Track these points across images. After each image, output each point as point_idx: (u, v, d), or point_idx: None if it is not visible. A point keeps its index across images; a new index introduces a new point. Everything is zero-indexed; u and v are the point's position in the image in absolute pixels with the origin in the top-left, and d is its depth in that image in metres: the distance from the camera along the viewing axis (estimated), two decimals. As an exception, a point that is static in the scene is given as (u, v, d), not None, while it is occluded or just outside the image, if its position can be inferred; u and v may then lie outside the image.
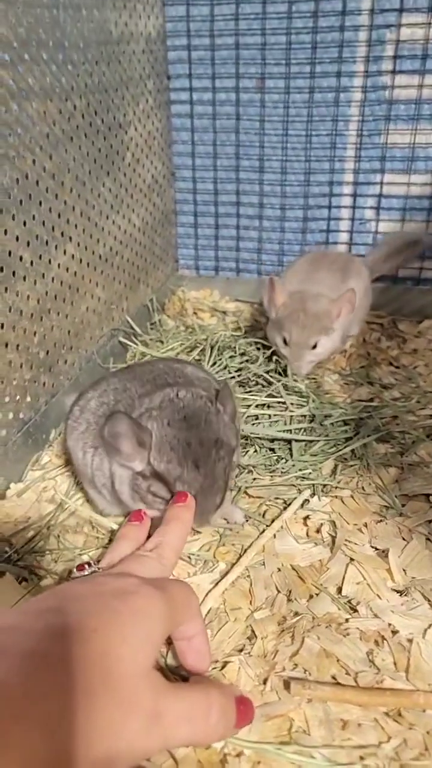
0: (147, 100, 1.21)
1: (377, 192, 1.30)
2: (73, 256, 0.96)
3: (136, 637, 0.40)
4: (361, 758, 0.50)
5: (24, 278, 0.83)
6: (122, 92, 1.09)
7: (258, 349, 1.16)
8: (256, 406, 0.96)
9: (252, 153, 1.34)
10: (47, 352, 0.90)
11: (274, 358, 1.10)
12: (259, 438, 0.90)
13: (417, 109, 1.20)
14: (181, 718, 0.40)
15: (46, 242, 0.88)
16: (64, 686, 0.35)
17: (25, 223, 0.82)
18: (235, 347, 1.15)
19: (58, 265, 0.91)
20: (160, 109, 1.28)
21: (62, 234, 0.92)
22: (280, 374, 1.08)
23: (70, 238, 0.95)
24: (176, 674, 0.56)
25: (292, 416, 0.95)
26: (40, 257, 0.86)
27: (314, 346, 1.06)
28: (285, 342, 1.07)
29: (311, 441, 0.91)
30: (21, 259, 0.82)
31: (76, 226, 0.96)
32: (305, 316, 1.05)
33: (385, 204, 1.30)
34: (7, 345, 0.80)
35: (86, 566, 0.55)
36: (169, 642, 0.57)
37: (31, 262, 0.84)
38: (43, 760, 0.33)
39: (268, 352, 1.13)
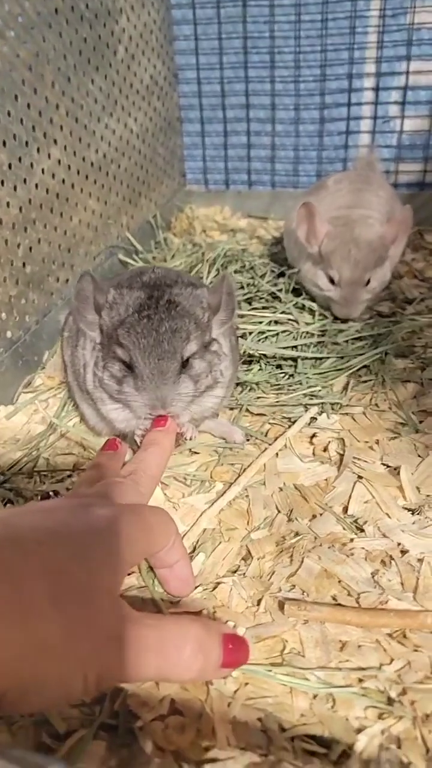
0: (140, -14, 1.08)
1: (402, 83, 1.16)
2: (59, 161, 0.88)
3: (93, 554, 0.36)
4: (360, 680, 0.46)
5: (2, 182, 0.75)
6: (109, -27, 0.97)
7: (265, 264, 1.07)
8: (262, 322, 0.89)
9: (261, 45, 1.20)
10: (35, 267, 0.84)
11: (287, 273, 1.01)
12: (265, 355, 0.84)
13: (449, -21, 1.05)
14: (148, 647, 0.36)
15: (26, 143, 0.80)
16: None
17: (-2, 120, 0.74)
18: (245, 262, 1.07)
19: (42, 170, 0.84)
20: (156, -3, 1.15)
21: (45, 135, 0.83)
22: (287, 291, 0.99)
23: (55, 141, 0.86)
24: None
25: (301, 332, 0.88)
26: (20, 160, 0.79)
27: (367, 282, 0.89)
28: (332, 281, 0.89)
29: (321, 358, 0.84)
30: (-4, 160, 0.74)
31: (61, 127, 0.87)
32: (357, 247, 0.86)
33: (412, 97, 1.16)
34: (-14, 256, 0.74)
35: (51, 494, 0.50)
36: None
37: (9, 165, 0.77)
38: None
39: (278, 270, 1.04)
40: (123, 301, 0.59)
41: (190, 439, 0.62)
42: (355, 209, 0.92)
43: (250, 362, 0.84)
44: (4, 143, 0.75)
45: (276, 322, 0.90)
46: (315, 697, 0.45)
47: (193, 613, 0.51)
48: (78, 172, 0.93)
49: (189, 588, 0.51)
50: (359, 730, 0.42)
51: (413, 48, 1.12)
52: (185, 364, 0.58)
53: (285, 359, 0.84)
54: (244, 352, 0.83)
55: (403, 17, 1.10)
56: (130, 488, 0.47)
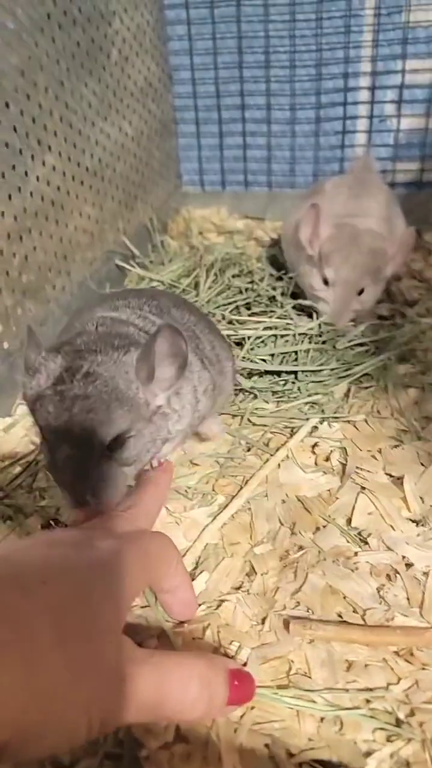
0: (133, -14, 1.07)
1: (398, 82, 1.14)
2: (54, 167, 0.86)
3: (95, 592, 0.35)
4: (368, 702, 0.45)
5: (-5, 192, 0.74)
6: (101, -25, 0.96)
7: (263, 269, 1.06)
8: (262, 328, 0.88)
9: (256, 45, 1.19)
10: (31, 277, 0.83)
11: (285, 278, 1.00)
12: (264, 361, 0.83)
13: (445, -24, 1.04)
14: (151, 687, 0.35)
15: (20, 151, 0.78)
16: (1, 641, 0.30)
17: (-9, 129, 0.73)
18: (242, 266, 1.06)
19: (37, 177, 0.82)
20: (149, -3, 1.13)
21: (39, 142, 0.82)
22: (286, 294, 0.98)
23: (49, 147, 0.85)
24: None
25: (299, 336, 0.87)
26: (14, 168, 0.77)
27: (361, 292, 0.87)
28: (326, 282, 0.88)
29: (320, 366, 0.83)
30: (-11, 170, 0.73)
31: (55, 133, 0.86)
32: (358, 250, 0.86)
33: (408, 96, 1.15)
34: (-19, 268, 0.73)
35: (52, 523, 0.49)
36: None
37: (3, 174, 0.75)
38: None
39: (276, 273, 1.03)
40: (46, 368, 0.49)
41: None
42: (357, 218, 0.91)
43: (250, 371, 0.83)
44: (-3, 152, 0.74)
45: (275, 327, 0.89)
46: (322, 720, 0.44)
47: (197, 636, 0.50)
48: (73, 178, 0.92)
49: (192, 611, 0.51)
50: (368, 754, 0.42)
51: (409, 47, 1.10)
52: (113, 446, 0.47)
53: (285, 364, 0.83)
54: (243, 359, 0.82)
55: (398, 16, 1.09)
56: (128, 523, 0.46)
